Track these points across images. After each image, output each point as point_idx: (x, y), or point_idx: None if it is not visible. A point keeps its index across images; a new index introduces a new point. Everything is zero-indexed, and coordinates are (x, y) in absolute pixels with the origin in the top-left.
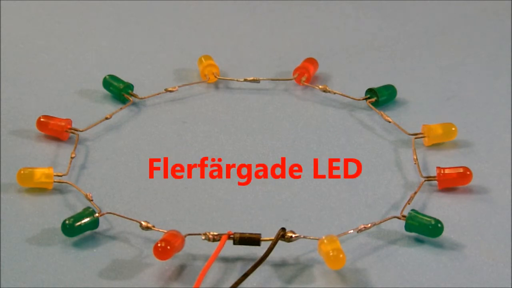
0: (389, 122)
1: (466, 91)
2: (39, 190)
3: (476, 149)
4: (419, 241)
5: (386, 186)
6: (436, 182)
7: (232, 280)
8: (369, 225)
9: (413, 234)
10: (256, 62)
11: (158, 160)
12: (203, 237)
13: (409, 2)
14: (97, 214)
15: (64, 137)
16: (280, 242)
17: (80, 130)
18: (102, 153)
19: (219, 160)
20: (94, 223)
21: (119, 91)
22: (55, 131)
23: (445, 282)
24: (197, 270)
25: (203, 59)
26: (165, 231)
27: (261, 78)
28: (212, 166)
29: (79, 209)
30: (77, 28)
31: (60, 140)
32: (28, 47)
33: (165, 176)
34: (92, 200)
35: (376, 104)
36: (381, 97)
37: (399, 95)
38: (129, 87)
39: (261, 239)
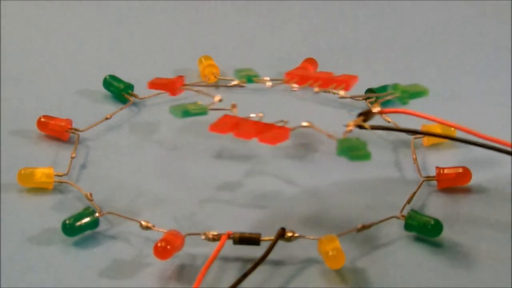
0: (389, 122)
1: (466, 91)
2: (40, 190)
3: (475, 149)
4: (418, 241)
5: (386, 186)
6: (435, 182)
7: (232, 280)
8: (369, 224)
9: (412, 234)
10: (256, 62)
11: (158, 160)
12: (203, 237)
13: (409, 2)
14: (97, 214)
15: (65, 137)
16: (279, 242)
17: (81, 130)
18: (102, 153)
19: (219, 160)
20: (94, 223)
21: (119, 91)
22: (56, 131)
23: (445, 282)
24: (197, 270)
25: (203, 59)
26: (165, 231)
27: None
28: (212, 166)
29: (79, 209)
30: (77, 28)
31: (60, 140)
32: (28, 47)
33: (165, 176)
34: (92, 200)
35: None
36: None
37: None
38: (129, 87)
39: (261, 239)
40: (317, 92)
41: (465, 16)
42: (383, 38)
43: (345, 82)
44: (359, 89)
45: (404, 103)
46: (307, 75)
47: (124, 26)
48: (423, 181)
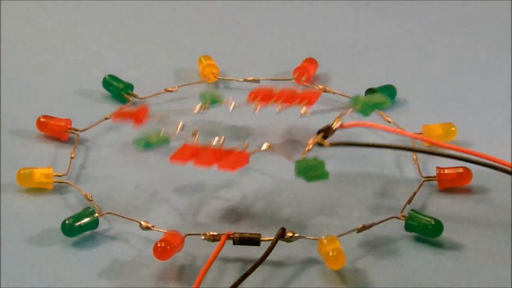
0: (389, 122)
1: (466, 91)
2: (39, 190)
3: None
4: (419, 241)
5: (386, 186)
6: (436, 182)
7: (232, 280)
8: (369, 225)
9: (413, 234)
10: (256, 62)
11: (158, 160)
12: (203, 237)
13: (409, 2)
14: (96, 214)
15: (64, 137)
16: (280, 242)
17: (80, 130)
18: (102, 153)
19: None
20: (94, 223)
21: (119, 91)
22: (55, 131)
23: (445, 282)
24: (197, 270)
25: (202, 59)
26: (165, 231)
27: (261, 78)
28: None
29: (79, 209)
30: (77, 28)
31: (60, 140)
32: (28, 47)
33: (165, 176)
34: (91, 200)
35: None
36: None
37: (399, 95)
38: (129, 87)
39: (261, 239)
40: (279, 111)
41: (465, 16)
42: (383, 38)
43: (308, 98)
44: (359, 89)
45: (366, 115)
46: (270, 93)
47: (124, 26)
48: (424, 181)
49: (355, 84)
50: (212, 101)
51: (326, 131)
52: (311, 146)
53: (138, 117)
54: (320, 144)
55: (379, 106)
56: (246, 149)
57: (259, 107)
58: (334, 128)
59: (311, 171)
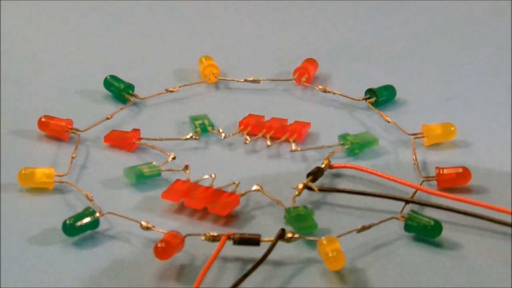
0: (389, 122)
1: (466, 91)
2: (40, 190)
3: (475, 149)
4: (418, 241)
5: (386, 186)
6: (435, 182)
7: (232, 280)
8: (369, 225)
9: (412, 234)
10: (256, 62)
11: (158, 159)
12: (203, 238)
13: (409, 2)
14: (97, 214)
15: (65, 137)
16: (279, 242)
17: (81, 130)
18: (103, 153)
19: (220, 156)
20: (95, 223)
21: (119, 91)
22: (56, 131)
23: (444, 282)
24: (197, 270)
25: (203, 59)
26: (165, 231)
27: (261, 78)
28: (211, 163)
29: (80, 209)
30: (77, 28)
31: (61, 140)
32: (28, 47)
33: (165, 175)
34: (92, 200)
35: (375, 104)
36: (381, 97)
37: (398, 95)
38: (129, 87)
39: (261, 239)
40: (269, 146)
41: (465, 16)
42: (383, 38)
43: (298, 131)
44: (359, 89)
45: (354, 155)
46: (260, 124)
47: (124, 26)
48: (423, 181)
49: (355, 84)
50: (203, 128)
51: (316, 173)
52: (300, 191)
53: (128, 141)
54: (309, 188)
55: (367, 146)
56: (236, 190)
57: (248, 138)
58: (323, 169)
59: (300, 222)
